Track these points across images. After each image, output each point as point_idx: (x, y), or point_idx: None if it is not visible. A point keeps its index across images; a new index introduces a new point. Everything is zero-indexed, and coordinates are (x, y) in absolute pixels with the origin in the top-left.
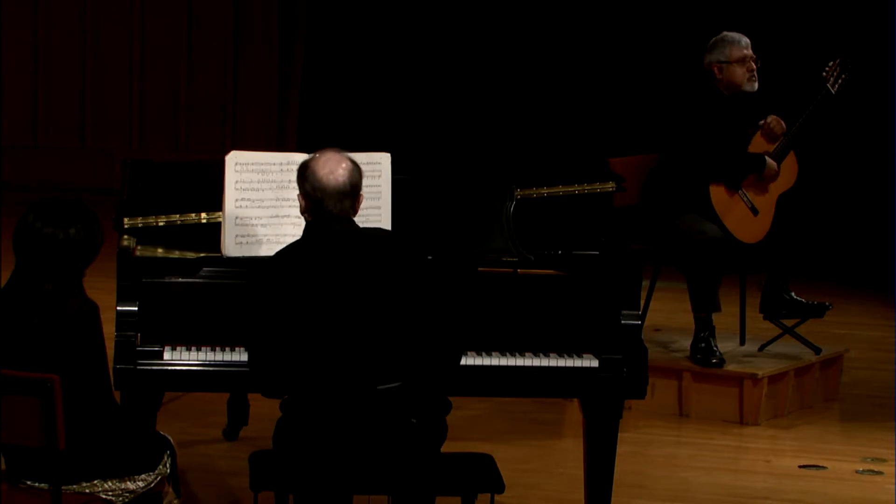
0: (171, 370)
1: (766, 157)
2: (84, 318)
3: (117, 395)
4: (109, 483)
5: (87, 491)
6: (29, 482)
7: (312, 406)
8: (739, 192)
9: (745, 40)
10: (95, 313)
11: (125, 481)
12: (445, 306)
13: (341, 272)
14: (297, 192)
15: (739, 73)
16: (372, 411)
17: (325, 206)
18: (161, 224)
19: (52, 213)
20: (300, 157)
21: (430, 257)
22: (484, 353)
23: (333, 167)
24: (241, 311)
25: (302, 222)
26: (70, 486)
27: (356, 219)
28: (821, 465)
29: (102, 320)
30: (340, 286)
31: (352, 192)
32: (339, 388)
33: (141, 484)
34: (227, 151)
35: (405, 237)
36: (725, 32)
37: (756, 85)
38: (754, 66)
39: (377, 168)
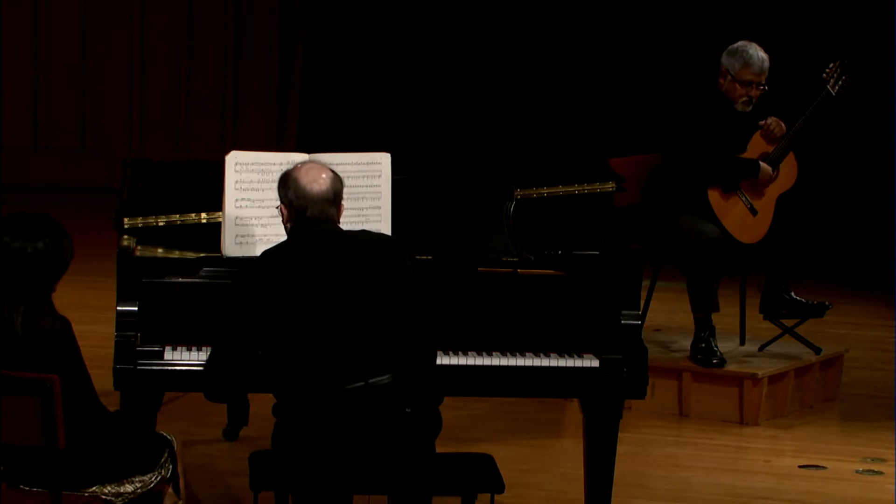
0: (172, 370)
1: (761, 163)
2: (58, 335)
3: (117, 396)
4: (108, 487)
5: (87, 494)
6: (27, 488)
7: (304, 406)
8: (738, 192)
9: (762, 64)
10: (68, 329)
11: (123, 484)
12: (423, 301)
13: (326, 272)
14: (278, 202)
15: (738, 92)
16: (361, 407)
17: (309, 214)
18: (161, 224)
19: (19, 228)
20: (300, 157)
21: (430, 257)
22: (484, 353)
23: (315, 175)
24: (219, 309)
25: None
26: (69, 492)
27: (356, 219)
28: (821, 465)
29: (102, 320)
30: (325, 285)
31: (334, 199)
32: (326, 385)
33: (139, 485)
34: (227, 151)
35: (388, 237)
36: (750, 46)
37: (749, 108)
38: (755, 94)
39: (377, 168)
